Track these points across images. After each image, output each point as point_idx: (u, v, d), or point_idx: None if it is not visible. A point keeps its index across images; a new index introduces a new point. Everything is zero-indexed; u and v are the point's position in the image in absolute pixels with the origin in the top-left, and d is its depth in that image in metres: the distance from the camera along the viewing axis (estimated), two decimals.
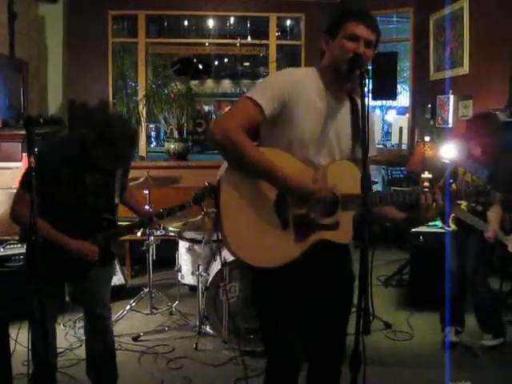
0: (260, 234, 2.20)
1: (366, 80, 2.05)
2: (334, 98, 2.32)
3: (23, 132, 2.31)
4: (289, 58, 10.93)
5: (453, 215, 4.07)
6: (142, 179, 4.74)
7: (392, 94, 8.06)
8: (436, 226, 4.88)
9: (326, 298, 2.44)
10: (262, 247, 2.21)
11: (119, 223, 3.23)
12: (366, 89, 2.03)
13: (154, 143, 16.25)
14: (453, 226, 4.14)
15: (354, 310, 2.02)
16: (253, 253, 2.22)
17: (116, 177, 3.11)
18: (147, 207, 4.68)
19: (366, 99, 2.00)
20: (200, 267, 4.45)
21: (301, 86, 2.27)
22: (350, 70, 2.18)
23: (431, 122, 7.23)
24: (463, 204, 3.97)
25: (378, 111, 13.57)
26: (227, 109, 2.57)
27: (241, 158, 2.14)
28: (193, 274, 4.73)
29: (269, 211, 2.21)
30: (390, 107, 14.35)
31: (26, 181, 2.86)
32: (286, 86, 2.24)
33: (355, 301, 1.92)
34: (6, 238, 4.63)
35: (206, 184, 3.52)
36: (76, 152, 2.86)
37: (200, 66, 11.60)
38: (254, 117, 2.21)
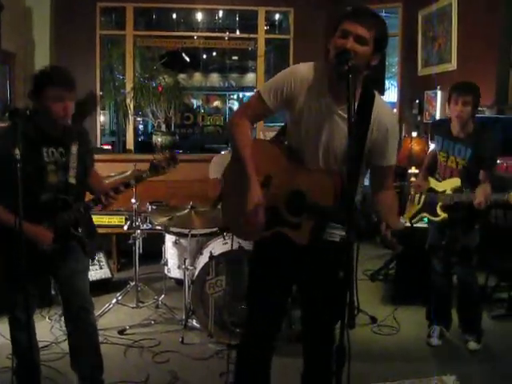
0: (240, 214, 2.44)
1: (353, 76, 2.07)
2: (333, 98, 2.35)
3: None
4: (277, 52, 10.89)
5: (440, 204, 4.05)
6: (129, 172, 4.69)
7: (380, 89, 8.06)
8: (422, 222, 4.90)
9: (309, 282, 2.63)
10: (240, 225, 2.49)
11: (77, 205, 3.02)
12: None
13: (142, 136, 16.13)
14: (443, 214, 4.08)
15: None
16: (235, 228, 2.66)
17: (71, 153, 2.97)
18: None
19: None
20: (186, 261, 4.45)
21: (303, 82, 2.37)
22: (337, 64, 2.17)
23: (418, 118, 7.25)
24: (448, 189, 3.98)
25: None
26: None
27: (232, 138, 2.51)
28: (179, 267, 4.73)
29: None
30: None
31: None
32: (287, 82, 2.38)
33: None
34: None
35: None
36: (22, 126, 2.61)
37: (188, 60, 11.56)
38: (259, 108, 2.48)
